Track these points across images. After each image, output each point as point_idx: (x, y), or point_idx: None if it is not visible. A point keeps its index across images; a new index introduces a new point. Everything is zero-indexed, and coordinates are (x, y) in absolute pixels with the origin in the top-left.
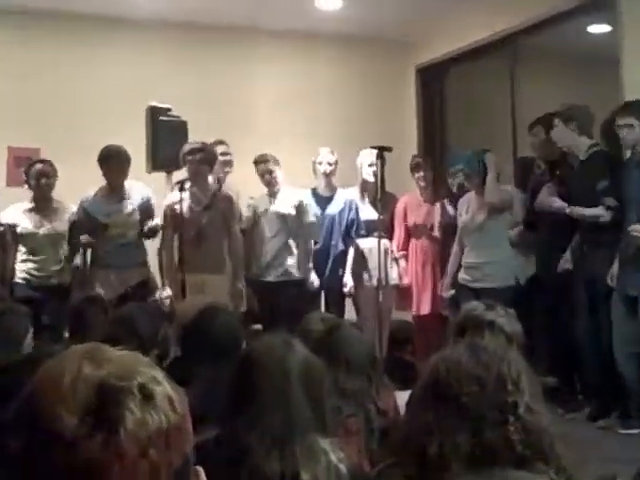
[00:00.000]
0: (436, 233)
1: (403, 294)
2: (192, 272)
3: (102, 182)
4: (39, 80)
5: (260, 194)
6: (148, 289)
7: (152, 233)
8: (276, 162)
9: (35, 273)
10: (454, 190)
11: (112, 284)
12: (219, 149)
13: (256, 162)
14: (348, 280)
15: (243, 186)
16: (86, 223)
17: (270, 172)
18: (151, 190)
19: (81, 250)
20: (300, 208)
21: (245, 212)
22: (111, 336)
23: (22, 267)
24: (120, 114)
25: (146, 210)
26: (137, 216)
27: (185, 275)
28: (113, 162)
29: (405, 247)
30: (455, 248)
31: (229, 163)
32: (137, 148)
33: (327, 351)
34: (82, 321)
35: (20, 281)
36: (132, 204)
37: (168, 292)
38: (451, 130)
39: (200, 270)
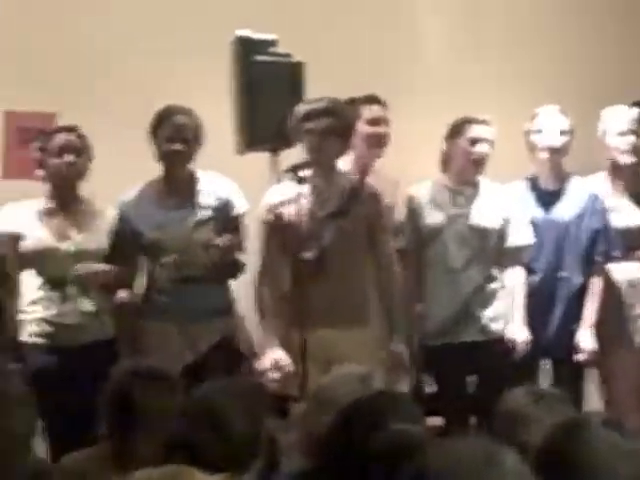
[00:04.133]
0: None
1: None
2: (314, 324)
3: (154, 172)
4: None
5: (433, 185)
6: (236, 355)
7: (229, 263)
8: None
9: (54, 321)
10: None
11: (174, 346)
12: (367, 112)
13: (463, 123)
14: (584, 339)
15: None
16: (127, 241)
17: (489, 143)
18: (236, 188)
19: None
20: (507, 221)
21: (407, 219)
22: (181, 439)
23: (32, 313)
24: (185, 54)
25: (226, 220)
26: (210, 230)
27: (305, 330)
28: (174, 136)
29: None
30: None
31: (383, 138)
32: (218, 112)
33: (562, 471)
34: (128, 411)
35: (29, 339)
36: (203, 209)
37: (275, 358)
38: None
39: (327, 320)
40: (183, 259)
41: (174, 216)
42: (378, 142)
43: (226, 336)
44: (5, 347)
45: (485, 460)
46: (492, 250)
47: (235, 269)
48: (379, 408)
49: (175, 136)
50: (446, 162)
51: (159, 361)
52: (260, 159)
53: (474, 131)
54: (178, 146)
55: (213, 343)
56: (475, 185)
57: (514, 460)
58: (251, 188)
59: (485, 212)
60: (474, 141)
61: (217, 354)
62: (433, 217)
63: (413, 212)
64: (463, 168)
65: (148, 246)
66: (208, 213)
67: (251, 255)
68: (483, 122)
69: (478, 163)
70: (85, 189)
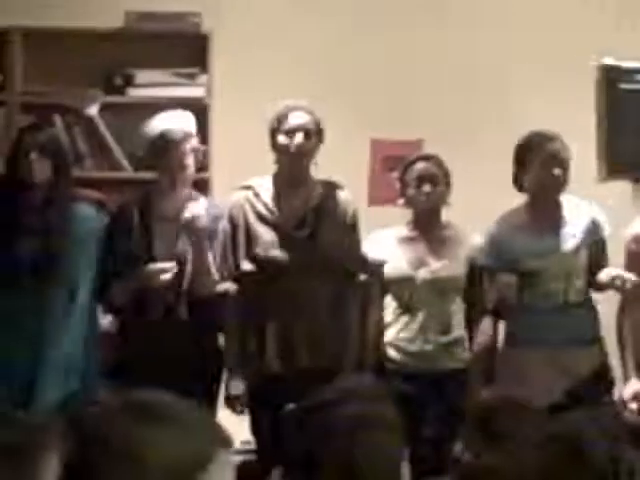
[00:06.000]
0: None
1: None
2: None
3: (518, 198)
4: (419, 34)
5: None
6: (603, 384)
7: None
8: None
9: (411, 349)
10: None
11: (545, 374)
12: None
13: None
14: None
15: None
16: (506, 270)
17: None
18: (598, 209)
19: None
20: None
21: None
22: (541, 467)
23: (391, 337)
24: (549, 82)
25: (594, 242)
26: (584, 257)
27: None
28: (551, 161)
29: None
30: None
31: None
32: (580, 140)
33: None
34: (490, 438)
35: (389, 365)
36: (575, 235)
37: (635, 390)
38: None
39: None
40: (565, 286)
41: (551, 243)
42: None
43: (596, 367)
44: (366, 370)
45: None
46: None
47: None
48: None
49: (552, 162)
50: None
51: (528, 389)
52: (623, 188)
53: None
54: (557, 171)
55: (585, 373)
56: None
57: None
58: (610, 216)
59: None
60: None
61: (588, 385)
62: None
63: None
64: None
65: (527, 274)
66: (580, 236)
67: None
68: None
69: None
70: (447, 216)
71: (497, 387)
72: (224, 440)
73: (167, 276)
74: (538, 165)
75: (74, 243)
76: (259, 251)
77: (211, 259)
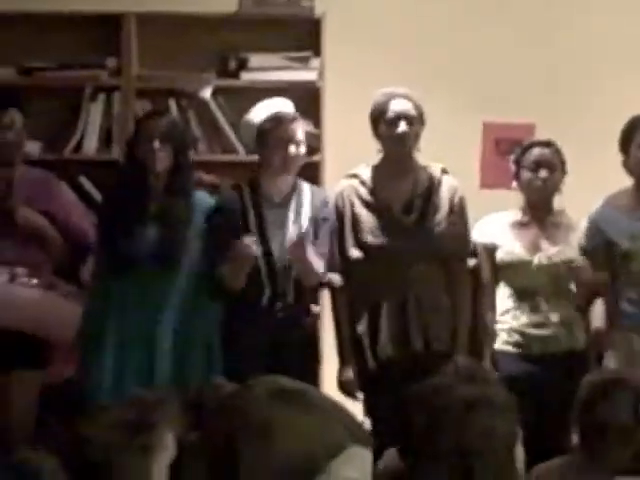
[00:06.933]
0: None
1: None
2: None
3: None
4: (530, 18)
5: None
6: None
7: None
8: None
9: (528, 331)
10: None
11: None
12: None
13: None
14: None
15: None
16: (600, 251)
17: None
18: None
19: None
20: None
21: None
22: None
23: (505, 322)
24: None
25: None
26: None
27: None
28: None
29: None
30: None
31: None
32: None
33: None
34: (596, 422)
35: (504, 347)
36: None
37: None
38: None
39: None
40: None
41: None
42: None
43: None
44: (479, 355)
45: None
46: None
47: None
48: None
49: None
50: None
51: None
52: None
53: None
54: None
55: None
56: None
57: None
58: None
59: None
60: None
61: None
62: None
63: None
64: None
65: (620, 256)
66: None
67: None
68: None
69: None
70: (558, 201)
71: (602, 370)
72: (361, 437)
73: (252, 251)
74: (635, 147)
75: (194, 230)
76: (367, 237)
77: (315, 257)
